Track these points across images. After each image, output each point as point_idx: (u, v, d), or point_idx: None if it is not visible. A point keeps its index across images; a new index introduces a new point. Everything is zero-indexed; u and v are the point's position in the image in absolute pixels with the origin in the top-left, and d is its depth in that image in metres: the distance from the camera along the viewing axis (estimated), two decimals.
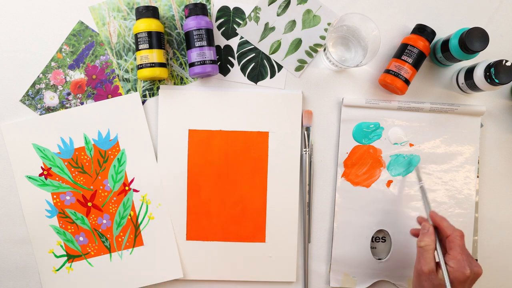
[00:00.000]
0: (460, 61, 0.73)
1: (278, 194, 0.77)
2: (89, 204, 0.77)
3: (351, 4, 0.78)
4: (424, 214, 0.73)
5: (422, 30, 0.74)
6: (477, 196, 0.78)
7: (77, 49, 0.77)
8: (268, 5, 0.78)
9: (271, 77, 0.78)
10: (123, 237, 0.77)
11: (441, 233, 0.65)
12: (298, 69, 0.78)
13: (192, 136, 0.77)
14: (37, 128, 0.76)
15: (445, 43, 0.73)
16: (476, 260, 0.78)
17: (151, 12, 0.74)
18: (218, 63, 0.78)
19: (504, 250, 0.79)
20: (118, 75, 0.77)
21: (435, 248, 0.64)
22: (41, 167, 0.76)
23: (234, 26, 0.78)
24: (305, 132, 0.77)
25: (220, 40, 0.78)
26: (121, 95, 0.77)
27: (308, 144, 0.77)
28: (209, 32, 0.73)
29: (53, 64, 0.77)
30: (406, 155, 0.78)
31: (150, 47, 0.73)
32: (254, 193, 0.77)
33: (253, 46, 0.78)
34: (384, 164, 0.78)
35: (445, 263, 0.62)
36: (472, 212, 0.78)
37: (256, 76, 0.78)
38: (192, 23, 0.73)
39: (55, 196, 0.77)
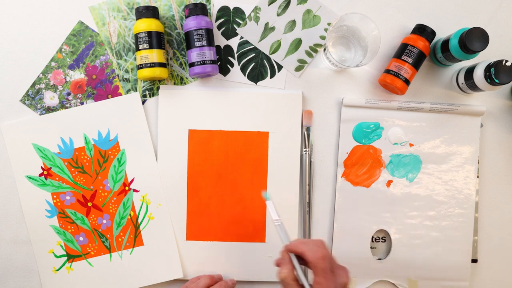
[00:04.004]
0: (460, 61, 0.73)
1: (278, 194, 0.77)
2: (89, 204, 0.77)
3: (351, 4, 0.78)
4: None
5: (422, 30, 0.74)
6: (477, 196, 0.78)
7: (77, 49, 0.77)
8: (268, 5, 0.78)
9: (271, 77, 0.78)
10: (123, 237, 0.77)
11: (304, 259, 0.61)
12: (298, 69, 0.78)
13: (192, 136, 0.77)
14: (37, 128, 0.76)
15: (445, 43, 0.73)
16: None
17: (151, 12, 0.74)
18: (218, 63, 0.78)
19: (504, 250, 0.79)
20: (118, 75, 0.77)
21: (295, 275, 0.60)
22: (41, 167, 0.76)
23: (234, 26, 0.78)
24: (305, 132, 0.77)
25: (220, 40, 0.78)
26: (121, 95, 0.77)
27: (308, 144, 0.77)
28: (209, 32, 0.73)
29: (53, 64, 0.77)
30: (406, 155, 0.78)
31: (150, 47, 0.73)
32: (254, 193, 0.77)
33: (253, 46, 0.78)
34: (384, 164, 0.78)
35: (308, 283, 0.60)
36: (472, 212, 0.78)
37: (256, 76, 0.78)
38: (192, 23, 0.73)
39: (55, 196, 0.77)
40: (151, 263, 0.77)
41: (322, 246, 0.61)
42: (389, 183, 0.78)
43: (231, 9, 0.78)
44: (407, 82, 0.74)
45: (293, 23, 0.78)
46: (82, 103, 0.77)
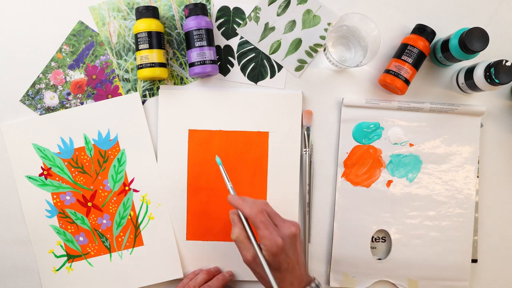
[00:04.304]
0: (460, 61, 0.73)
1: (278, 194, 0.77)
2: (89, 204, 0.77)
3: (351, 4, 0.78)
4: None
5: (422, 30, 0.74)
6: (477, 196, 0.78)
7: (77, 49, 0.77)
8: (268, 5, 0.78)
9: (271, 77, 0.78)
10: (123, 237, 0.77)
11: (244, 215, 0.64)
12: (298, 69, 0.78)
13: (192, 136, 0.77)
14: (37, 128, 0.76)
15: (445, 43, 0.73)
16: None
17: (151, 12, 0.74)
18: (218, 63, 0.78)
19: (504, 250, 0.79)
20: (118, 75, 0.77)
21: (248, 234, 0.62)
22: (41, 167, 0.76)
23: (234, 26, 0.78)
24: (305, 132, 0.77)
25: (220, 40, 0.78)
26: (121, 95, 0.77)
27: (308, 144, 0.77)
28: (209, 32, 0.73)
29: (53, 64, 0.77)
30: (406, 155, 0.78)
31: (150, 47, 0.73)
32: (254, 193, 0.77)
33: (253, 46, 0.78)
34: (384, 164, 0.78)
35: (258, 244, 0.61)
36: (472, 212, 0.78)
37: (256, 76, 0.78)
38: (192, 23, 0.73)
39: (55, 196, 0.77)
40: (151, 263, 0.77)
41: (261, 203, 0.63)
42: (389, 183, 0.78)
43: (231, 9, 0.78)
44: (407, 82, 0.74)
45: (293, 23, 0.78)
46: (82, 103, 0.77)
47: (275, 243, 0.59)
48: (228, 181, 0.67)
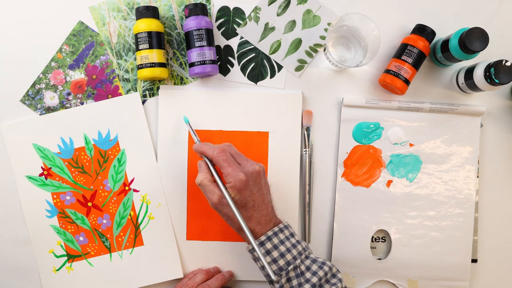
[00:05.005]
0: (460, 61, 0.73)
1: (278, 194, 0.77)
2: (89, 204, 0.77)
3: (351, 4, 0.78)
4: None
5: (422, 30, 0.74)
6: (477, 196, 0.78)
7: (77, 49, 0.77)
8: (268, 5, 0.78)
9: (271, 77, 0.78)
10: (123, 237, 0.77)
11: (209, 159, 0.66)
12: (298, 69, 0.78)
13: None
14: (37, 128, 0.76)
15: (445, 43, 0.73)
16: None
17: (151, 12, 0.74)
18: (218, 63, 0.78)
19: (504, 250, 0.79)
20: (118, 75, 0.77)
21: (213, 178, 0.65)
22: (41, 167, 0.76)
23: (234, 26, 0.78)
24: (305, 132, 0.77)
25: (220, 40, 0.78)
26: (121, 95, 0.77)
27: (308, 144, 0.77)
28: (209, 32, 0.73)
29: (53, 64, 0.77)
30: (406, 155, 0.78)
31: (150, 47, 0.73)
32: None
33: (253, 46, 0.78)
34: (384, 164, 0.78)
35: (224, 183, 0.63)
36: (472, 212, 0.78)
37: (256, 76, 0.78)
38: (192, 23, 0.73)
39: (55, 196, 0.77)
40: (151, 263, 0.77)
41: (223, 144, 0.65)
42: (389, 183, 0.78)
43: (231, 9, 0.78)
44: (407, 82, 0.74)
45: (293, 23, 0.78)
46: (82, 103, 0.77)
47: (238, 178, 0.61)
48: (196, 136, 0.70)
